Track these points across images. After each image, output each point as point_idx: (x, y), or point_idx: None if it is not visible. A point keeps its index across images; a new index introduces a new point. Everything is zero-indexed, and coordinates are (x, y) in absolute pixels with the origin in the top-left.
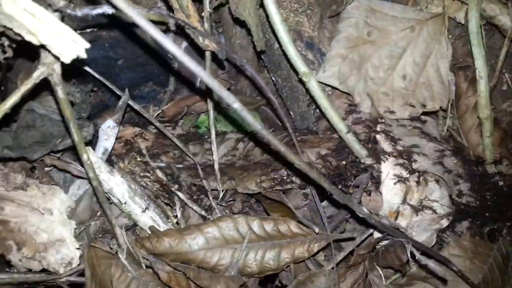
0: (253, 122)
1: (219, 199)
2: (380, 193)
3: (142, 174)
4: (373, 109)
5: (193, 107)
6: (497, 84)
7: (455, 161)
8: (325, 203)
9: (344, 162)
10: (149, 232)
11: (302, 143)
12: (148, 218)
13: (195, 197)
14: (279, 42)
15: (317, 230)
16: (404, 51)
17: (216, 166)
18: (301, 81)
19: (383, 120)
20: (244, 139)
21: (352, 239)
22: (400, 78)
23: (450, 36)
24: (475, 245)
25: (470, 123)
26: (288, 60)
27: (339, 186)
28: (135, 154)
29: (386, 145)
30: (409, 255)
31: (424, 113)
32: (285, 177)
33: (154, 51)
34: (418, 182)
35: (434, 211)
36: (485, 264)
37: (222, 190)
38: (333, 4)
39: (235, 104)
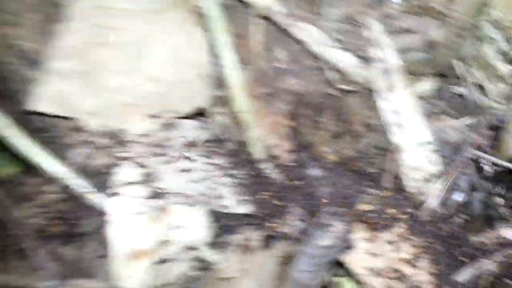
0: None
1: None
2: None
3: None
4: (114, 124)
5: None
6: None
7: (227, 164)
8: None
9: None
10: None
11: None
12: None
13: None
14: None
15: None
16: (148, 48)
17: None
18: None
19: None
20: None
21: None
22: (148, 80)
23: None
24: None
25: None
26: None
27: None
28: None
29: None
30: None
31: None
32: None
33: None
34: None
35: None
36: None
37: None
38: (51, 7)
39: None
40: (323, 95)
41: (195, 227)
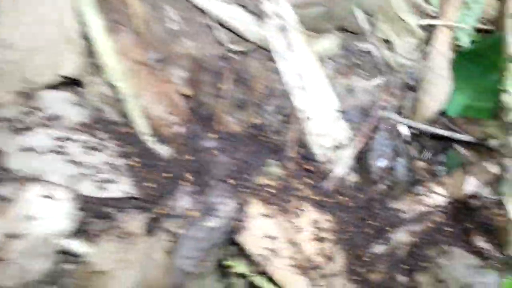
0: None
1: None
2: None
3: None
4: None
5: None
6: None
7: (105, 141)
8: None
9: None
10: None
11: None
12: None
13: None
14: None
15: None
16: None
17: None
18: None
19: None
20: None
21: None
22: (3, 49)
23: None
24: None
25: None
26: None
27: None
28: None
29: None
30: None
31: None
32: None
33: None
34: None
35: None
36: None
37: None
38: None
39: None
40: (221, 58)
41: (56, 216)
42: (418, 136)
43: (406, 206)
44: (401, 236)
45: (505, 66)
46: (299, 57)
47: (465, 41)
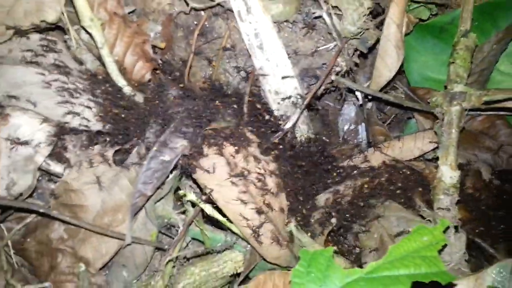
0: None
1: None
2: None
3: None
4: None
5: None
6: None
7: (81, 83)
8: None
9: None
10: None
11: None
12: None
13: None
14: None
15: None
16: None
17: None
18: None
19: None
20: None
21: None
22: None
23: None
24: None
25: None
26: None
27: None
28: None
29: None
30: None
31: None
32: None
33: None
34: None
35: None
36: None
37: None
38: None
39: None
40: (192, 16)
41: (36, 139)
42: (379, 102)
43: (354, 163)
44: (345, 189)
45: (457, 40)
46: (257, 19)
47: (425, 15)
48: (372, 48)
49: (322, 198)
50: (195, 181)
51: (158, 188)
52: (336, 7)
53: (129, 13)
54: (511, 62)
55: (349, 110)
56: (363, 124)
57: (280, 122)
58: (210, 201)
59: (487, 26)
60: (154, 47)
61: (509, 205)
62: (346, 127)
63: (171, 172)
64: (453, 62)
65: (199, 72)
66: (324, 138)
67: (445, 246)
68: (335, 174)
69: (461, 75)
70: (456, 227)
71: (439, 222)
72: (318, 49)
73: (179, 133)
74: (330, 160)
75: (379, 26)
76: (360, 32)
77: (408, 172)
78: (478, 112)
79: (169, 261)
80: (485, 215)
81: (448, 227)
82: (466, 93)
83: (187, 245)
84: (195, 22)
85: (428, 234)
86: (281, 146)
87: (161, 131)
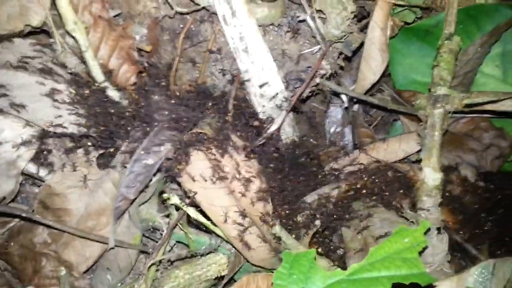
0: None
1: None
2: None
3: None
4: None
5: None
6: None
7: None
8: None
9: None
10: None
11: None
12: None
13: None
14: None
15: None
16: None
17: None
18: None
19: None
20: None
21: None
22: None
23: None
24: None
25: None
26: None
27: None
28: None
29: None
30: None
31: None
32: None
33: None
34: None
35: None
36: None
37: None
38: None
39: None
40: (177, 19)
41: (19, 143)
42: (365, 105)
43: (340, 166)
44: (330, 191)
45: (442, 43)
46: (241, 23)
47: (410, 18)
48: (357, 51)
49: (308, 200)
50: (179, 184)
51: (141, 191)
52: (320, 11)
53: (114, 16)
54: (495, 65)
55: (336, 113)
56: (349, 126)
57: (265, 125)
58: (194, 204)
59: (472, 29)
60: (140, 50)
61: (493, 206)
62: (332, 129)
63: (155, 175)
64: (437, 65)
65: (185, 75)
66: (311, 140)
67: (427, 247)
68: (320, 176)
69: (444, 78)
70: (438, 229)
71: (421, 224)
72: (303, 52)
73: (163, 136)
74: (315, 162)
75: (364, 29)
76: (344, 36)
77: (392, 174)
78: (463, 115)
79: (153, 264)
80: (469, 216)
81: (429, 229)
82: (449, 95)
83: (172, 248)
84: (181, 26)
85: (409, 236)
86: (266, 149)
87: (145, 135)
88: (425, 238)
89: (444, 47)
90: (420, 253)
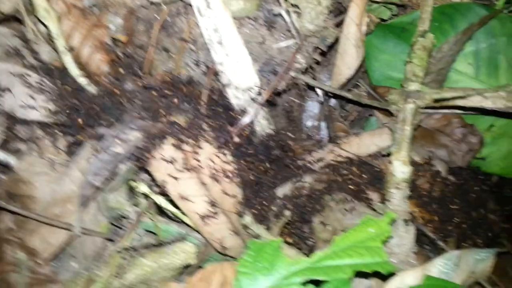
0: None
1: None
2: None
3: None
4: None
5: None
6: None
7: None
8: None
9: None
10: None
11: None
12: None
13: None
14: None
15: None
16: None
17: None
18: None
19: None
20: None
21: None
22: None
23: None
24: None
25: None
26: None
27: None
28: None
29: None
30: None
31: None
32: None
33: None
34: None
35: None
36: None
37: None
38: None
39: None
40: (153, 10)
41: None
42: (342, 100)
43: (313, 159)
44: (303, 183)
45: (415, 40)
46: (216, 14)
47: (386, 15)
48: (334, 46)
49: (280, 192)
50: (149, 173)
51: (109, 179)
52: (296, 5)
53: (90, 6)
54: (468, 62)
55: (313, 107)
56: (325, 121)
57: (239, 117)
58: (163, 193)
59: (447, 27)
60: (115, 40)
61: (463, 200)
62: (309, 123)
63: (124, 164)
64: (410, 61)
65: (160, 66)
66: (289, 133)
67: (392, 237)
68: (294, 168)
69: (417, 74)
70: (406, 221)
71: (386, 215)
72: (279, 46)
73: (134, 125)
74: (290, 155)
75: (340, 24)
76: (320, 31)
77: (364, 167)
78: (436, 111)
79: (119, 252)
80: (438, 210)
81: (397, 220)
82: (420, 91)
83: (141, 237)
84: (157, 16)
85: (374, 226)
86: (239, 141)
87: (115, 123)
88: (389, 228)
89: (417, 44)
90: (387, 243)
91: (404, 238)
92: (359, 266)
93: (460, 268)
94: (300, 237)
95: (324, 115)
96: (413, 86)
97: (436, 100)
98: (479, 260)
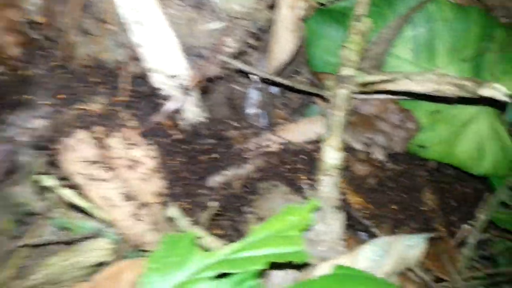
0: None
1: None
2: None
3: None
4: None
5: None
6: None
7: None
8: None
9: None
10: None
11: None
12: None
13: None
14: None
15: None
16: None
17: None
18: None
19: None
20: None
21: None
22: None
23: None
24: None
25: None
26: None
27: None
28: None
29: None
30: None
31: None
32: None
33: None
34: None
35: None
36: None
37: None
38: None
39: None
40: None
41: None
42: (284, 88)
43: (249, 147)
44: (236, 172)
45: (351, 25)
46: None
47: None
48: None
49: (210, 182)
50: (58, 165)
51: (11, 172)
52: None
53: None
54: (409, 48)
55: (255, 94)
56: (265, 108)
57: (164, 103)
58: (74, 186)
59: (386, 12)
60: (32, 22)
61: (399, 186)
62: (251, 111)
63: (29, 155)
64: (345, 46)
65: (81, 49)
66: (229, 121)
67: (313, 225)
68: (228, 157)
69: (352, 59)
70: (336, 207)
71: (309, 203)
72: (208, 28)
73: (39, 112)
74: (225, 144)
75: (273, 7)
76: (250, 12)
77: (300, 155)
78: (373, 96)
79: (21, 250)
80: (375, 196)
81: (320, 207)
82: (353, 76)
83: (52, 234)
84: None
85: (296, 214)
86: (164, 129)
87: (20, 109)
88: (310, 216)
89: (354, 29)
90: (316, 232)
91: (332, 226)
92: (274, 256)
93: (390, 254)
94: (233, 228)
95: (264, 102)
96: (346, 71)
97: (365, 84)
98: (411, 246)
